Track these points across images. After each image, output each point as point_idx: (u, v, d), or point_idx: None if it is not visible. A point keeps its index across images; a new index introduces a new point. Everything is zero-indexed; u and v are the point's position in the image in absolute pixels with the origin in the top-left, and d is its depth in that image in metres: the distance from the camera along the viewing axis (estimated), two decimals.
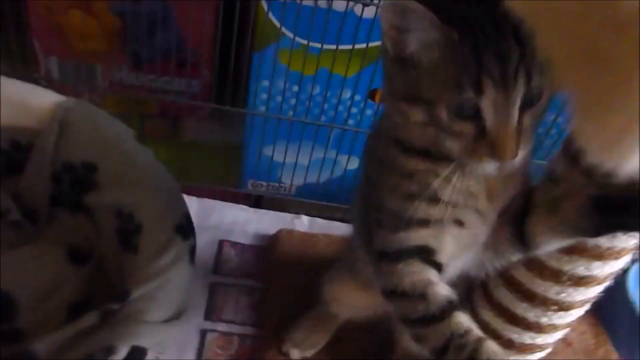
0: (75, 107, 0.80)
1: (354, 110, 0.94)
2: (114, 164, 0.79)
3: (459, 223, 0.51)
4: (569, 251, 0.53)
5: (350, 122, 0.95)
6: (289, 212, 1.03)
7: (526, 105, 0.44)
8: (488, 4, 0.42)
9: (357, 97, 0.92)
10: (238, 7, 0.87)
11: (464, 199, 0.50)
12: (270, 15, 0.83)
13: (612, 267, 0.55)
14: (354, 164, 1.00)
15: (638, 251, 0.54)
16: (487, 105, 0.43)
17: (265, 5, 0.83)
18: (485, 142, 0.45)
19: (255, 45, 0.87)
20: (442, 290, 0.51)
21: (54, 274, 0.77)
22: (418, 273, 0.51)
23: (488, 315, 0.64)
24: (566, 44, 0.33)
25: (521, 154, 0.45)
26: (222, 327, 0.83)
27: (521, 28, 0.40)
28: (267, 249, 0.96)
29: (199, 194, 1.00)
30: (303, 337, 0.78)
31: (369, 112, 0.94)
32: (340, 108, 0.94)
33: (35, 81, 1.03)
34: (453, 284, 0.54)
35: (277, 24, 0.83)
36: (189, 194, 0.95)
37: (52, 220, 0.82)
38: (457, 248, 0.53)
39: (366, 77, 0.89)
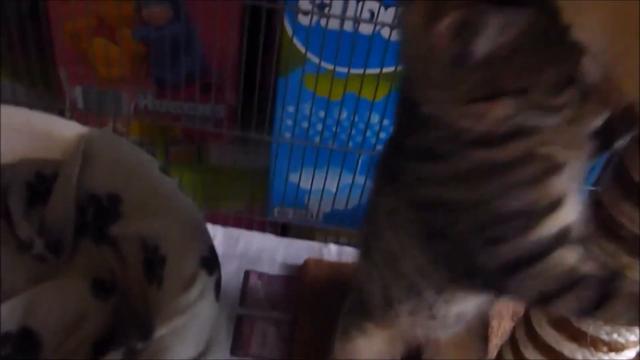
0: (98, 137, 0.80)
1: (383, 135, 0.91)
2: (138, 195, 0.78)
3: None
4: None
5: (379, 147, 0.93)
6: (317, 240, 1.01)
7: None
8: None
9: (386, 122, 0.90)
10: (263, 32, 0.86)
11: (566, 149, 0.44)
12: (295, 39, 0.81)
13: None
14: None
15: None
16: (586, 62, 0.38)
17: (289, 30, 0.81)
18: (594, 99, 0.40)
19: (280, 70, 0.86)
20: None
21: (78, 308, 0.75)
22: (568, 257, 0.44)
23: (532, 355, 0.60)
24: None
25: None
26: None
27: None
28: (294, 279, 0.93)
29: (224, 221, 0.98)
30: None
31: None
32: (369, 133, 0.91)
33: (61, 112, 1.03)
34: None
35: (302, 49, 0.82)
36: (214, 221, 0.93)
37: (76, 251, 0.81)
38: None
39: (394, 101, 0.87)
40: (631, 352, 0.56)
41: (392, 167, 0.54)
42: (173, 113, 1.08)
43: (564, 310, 0.49)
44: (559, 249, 0.44)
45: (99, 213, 0.80)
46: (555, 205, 0.43)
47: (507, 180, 0.43)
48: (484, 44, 0.37)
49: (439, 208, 0.47)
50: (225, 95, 1.05)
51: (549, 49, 0.38)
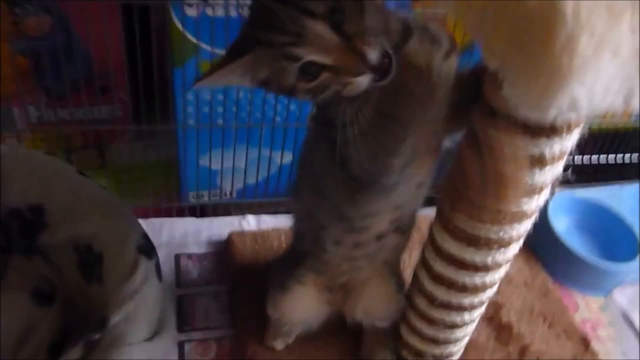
0: (8, 152, 0.80)
1: (279, 107, 0.99)
2: (61, 201, 0.80)
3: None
4: None
5: (278, 119, 1.00)
6: (235, 215, 1.07)
7: (337, 22, 0.50)
8: None
9: (280, 95, 0.97)
10: (138, 28, 0.88)
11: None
12: (185, 31, 0.86)
13: (538, 201, 0.63)
14: (287, 158, 1.05)
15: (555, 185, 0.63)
16: (311, 57, 0.50)
17: (178, 23, 0.85)
18: (341, 71, 0.51)
19: (175, 61, 0.90)
20: None
21: (24, 319, 0.77)
22: None
23: (441, 266, 0.71)
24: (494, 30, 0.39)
25: (373, 51, 0.50)
26: (197, 335, 0.87)
27: None
28: (222, 253, 0.99)
29: (144, 215, 1.01)
30: (278, 329, 0.82)
31: (292, 107, 0.99)
32: (266, 108, 0.98)
33: None
34: None
35: (194, 40, 0.87)
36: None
37: (8, 268, 0.82)
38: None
39: None
40: (515, 246, 0.68)
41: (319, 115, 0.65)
42: (68, 120, 1.08)
43: None
44: None
45: (23, 226, 0.81)
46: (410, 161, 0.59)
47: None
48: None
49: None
50: (117, 94, 1.07)
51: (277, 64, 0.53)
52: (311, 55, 0.50)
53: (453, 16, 0.37)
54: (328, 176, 0.65)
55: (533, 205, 0.63)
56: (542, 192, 0.62)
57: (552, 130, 0.54)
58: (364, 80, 0.52)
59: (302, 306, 0.77)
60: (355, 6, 0.50)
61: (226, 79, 0.54)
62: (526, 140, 0.55)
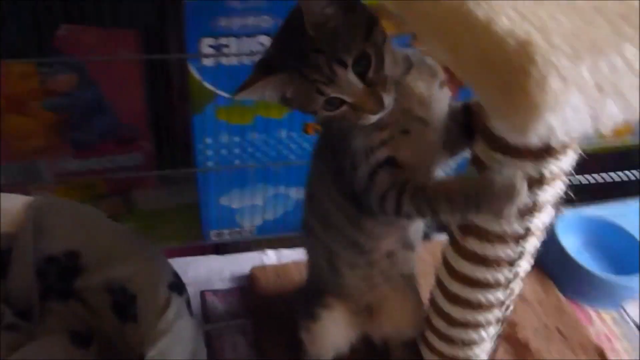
0: (45, 203, 0.86)
1: (293, 146, 1.05)
2: (95, 246, 0.85)
3: (406, 132, 0.64)
4: None
5: (292, 157, 1.06)
6: (255, 251, 1.11)
7: (363, 71, 0.58)
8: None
9: (293, 134, 1.03)
10: (173, 79, 0.96)
11: (395, 116, 0.63)
12: (203, 81, 0.93)
13: (541, 219, 0.67)
14: (302, 193, 1.10)
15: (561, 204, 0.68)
16: (337, 95, 0.58)
17: (196, 74, 0.92)
18: (359, 108, 0.59)
19: (194, 109, 0.96)
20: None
21: None
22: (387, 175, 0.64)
23: (455, 287, 0.75)
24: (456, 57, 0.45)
25: (388, 96, 0.59)
26: None
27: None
28: (246, 288, 1.03)
29: (169, 256, 1.05)
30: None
31: (306, 145, 1.05)
32: (281, 147, 1.04)
33: None
34: None
35: (212, 87, 0.93)
36: None
37: (46, 313, 0.86)
38: (416, 152, 0.66)
39: (297, 114, 1.00)
40: (525, 264, 0.72)
41: (322, 149, 0.73)
42: (93, 170, 1.15)
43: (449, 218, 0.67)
44: (383, 169, 0.64)
45: (60, 272, 0.86)
46: (377, 145, 0.64)
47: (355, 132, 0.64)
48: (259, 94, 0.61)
49: (339, 156, 0.68)
50: (140, 143, 1.14)
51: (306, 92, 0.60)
52: (337, 94, 0.59)
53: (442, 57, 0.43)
54: (333, 205, 0.71)
55: (537, 223, 0.67)
56: (545, 211, 0.67)
57: (547, 152, 0.60)
58: (375, 117, 0.61)
59: (333, 330, 0.81)
60: (378, 57, 0.59)
61: (260, 92, 0.60)
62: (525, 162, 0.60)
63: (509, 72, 0.34)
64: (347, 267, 0.76)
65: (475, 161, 0.66)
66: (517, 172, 0.58)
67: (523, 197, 0.58)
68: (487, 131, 0.60)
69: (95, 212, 0.87)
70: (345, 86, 0.58)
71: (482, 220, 0.67)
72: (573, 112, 0.34)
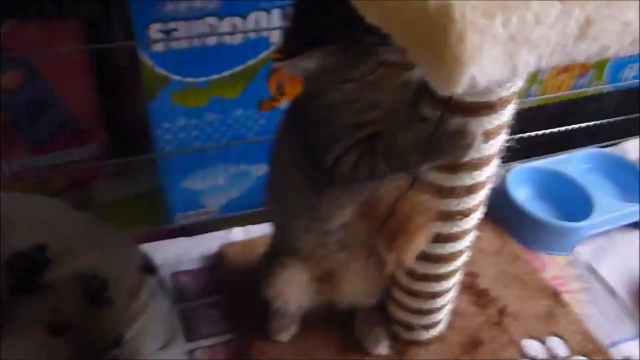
0: (7, 199, 0.86)
1: (250, 123, 1.07)
2: (61, 237, 0.86)
3: (396, 110, 0.67)
4: (453, 170, 0.70)
5: (250, 134, 1.08)
6: (222, 230, 1.14)
7: None
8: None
9: (249, 112, 1.05)
10: (123, 67, 0.96)
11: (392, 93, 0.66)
12: (155, 67, 0.94)
13: (488, 172, 0.72)
14: (263, 169, 1.13)
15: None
16: (392, 57, 0.60)
17: (148, 60, 0.93)
18: (402, 67, 0.62)
19: (148, 95, 0.97)
20: None
21: (41, 351, 0.82)
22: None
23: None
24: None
25: None
26: (204, 342, 0.93)
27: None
28: (215, 266, 1.06)
29: (136, 243, 1.07)
30: (280, 323, 0.90)
31: (262, 121, 1.07)
32: (238, 126, 1.06)
33: None
34: None
35: (164, 72, 0.94)
36: None
37: (20, 306, 0.87)
38: (397, 124, 0.67)
39: (251, 92, 1.03)
40: (477, 214, 0.77)
41: (292, 119, 0.75)
42: (50, 165, 1.14)
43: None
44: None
45: (29, 267, 0.86)
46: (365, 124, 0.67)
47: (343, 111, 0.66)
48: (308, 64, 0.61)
49: (310, 127, 0.69)
50: (95, 134, 1.14)
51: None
52: (392, 55, 0.61)
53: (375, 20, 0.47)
54: (298, 171, 0.74)
55: (485, 176, 0.72)
56: (491, 164, 0.71)
57: (489, 107, 0.64)
58: (415, 74, 0.63)
59: (293, 285, 0.84)
60: None
61: (306, 63, 0.61)
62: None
63: (433, 30, 0.38)
64: (303, 230, 0.79)
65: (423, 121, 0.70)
66: (469, 120, 0.63)
67: (478, 140, 0.63)
68: (432, 92, 0.64)
69: (60, 203, 0.88)
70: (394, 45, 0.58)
71: (433, 176, 0.71)
72: (492, 62, 0.38)
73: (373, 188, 0.72)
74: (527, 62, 0.40)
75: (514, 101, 0.67)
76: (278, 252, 0.84)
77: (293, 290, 0.84)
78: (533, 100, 1.33)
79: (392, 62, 0.62)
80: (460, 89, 0.38)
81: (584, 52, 0.42)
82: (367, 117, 0.67)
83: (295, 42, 0.62)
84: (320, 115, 0.68)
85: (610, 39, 0.42)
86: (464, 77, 0.37)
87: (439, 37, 0.37)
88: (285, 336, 0.89)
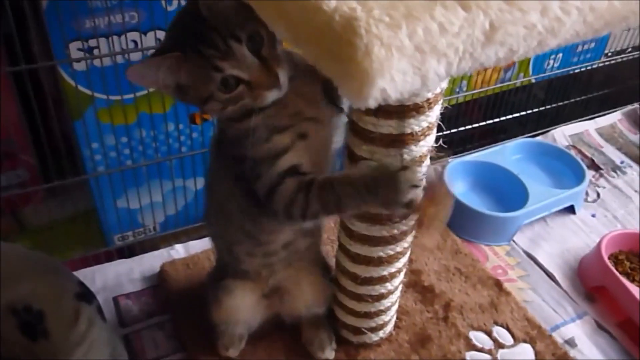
0: None
1: (183, 137, 1.05)
2: None
3: (304, 136, 0.67)
4: None
5: (184, 149, 1.06)
6: (163, 247, 1.11)
7: (255, 48, 0.60)
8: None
9: (181, 126, 1.03)
10: (46, 88, 0.92)
11: (290, 119, 0.66)
12: (79, 86, 0.90)
13: (421, 170, 0.72)
14: (201, 183, 1.11)
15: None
16: (234, 71, 0.60)
17: (70, 80, 0.90)
18: (255, 85, 0.61)
19: (73, 115, 0.94)
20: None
21: None
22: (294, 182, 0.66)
23: (356, 247, 0.80)
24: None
25: (283, 73, 0.62)
26: None
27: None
28: (159, 285, 1.03)
29: (73, 267, 1.04)
30: (230, 338, 0.88)
31: (195, 134, 1.05)
32: (171, 140, 1.04)
33: None
34: None
35: (89, 92, 0.91)
36: None
37: None
38: (315, 153, 0.68)
39: (182, 106, 1.01)
40: (414, 216, 0.78)
41: (219, 146, 0.74)
42: None
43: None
44: (289, 178, 0.66)
45: None
46: (280, 152, 0.66)
47: (253, 139, 0.65)
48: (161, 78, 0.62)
49: (237, 160, 0.68)
50: (21, 158, 1.09)
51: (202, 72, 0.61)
52: (234, 70, 0.60)
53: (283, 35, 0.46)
54: (233, 201, 0.73)
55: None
56: (424, 162, 0.72)
57: (415, 110, 0.65)
58: (272, 95, 0.63)
59: (240, 309, 0.83)
60: (271, 37, 0.61)
61: (155, 70, 0.60)
62: (398, 121, 0.65)
63: (340, 45, 0.37)
64: (245, 255, 0.78)
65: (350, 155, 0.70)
66: (402, 157, 0.63)
67: (418, 179, 0.63)
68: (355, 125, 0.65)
69: None
70: (241, 61, 0.60)
71: None
72: (401, 75, 0.38)
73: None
74: (437, 71, 0.41)
75: (440, 101, 0.68)
76: (223, 273, 0.83)
77: (241, 313, 0.84)
78: (465, 96, 1.36)
79: (241, 78, 0.61)
80: (371, 102, 0.38)
81: (492, 57, 0.43)
82: (279, 145, 0.66)
83: (147, 59, 0.63)
84: (235, 149, 0.68)
85: (517, 43, 0.43)
86: (374, 91, 0.37)
87: (346, 52, 0.37)
88: (234, 352, 0.88)
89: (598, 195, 1.31)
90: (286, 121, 0.65)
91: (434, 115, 0.68)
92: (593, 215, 1.25)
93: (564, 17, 0.43)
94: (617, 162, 1.42)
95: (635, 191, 1.32)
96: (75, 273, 1.02)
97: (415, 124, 0.66)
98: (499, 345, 0.94)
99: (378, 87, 0.37)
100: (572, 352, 0.96)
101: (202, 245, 1.10)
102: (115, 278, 1.05)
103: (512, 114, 1.44)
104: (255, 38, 0.60)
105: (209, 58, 0.59)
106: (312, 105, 0.67)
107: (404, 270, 0.86)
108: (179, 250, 1.10)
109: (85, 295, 0.80)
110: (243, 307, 0.83)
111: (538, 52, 0.45)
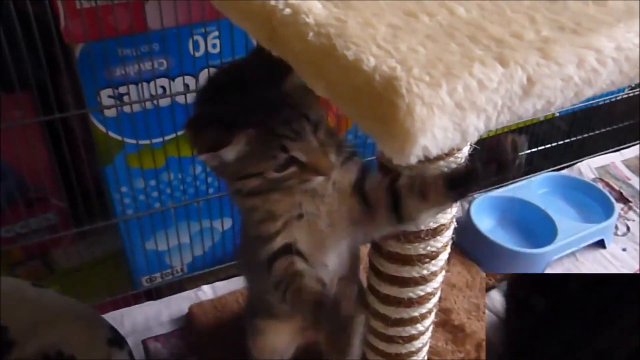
0: None
1: (210, 179, 1.06)
2: (21, 317, 0.83)
3: (300, 216, 0.65)
4: None
5: (211, 190, 1.07)
6: (190, 289, 1.11)
7: (314, 130, 0.59)
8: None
9: (208, 169, 1.04)
10: (78, 135, 0.94)
11: (289, 207, 0.64)
12: (109, 132, 0.92)
13: (451, 213, 0.72)
14: (227, 224, 1.12)
15: None
16: (297, 153, 0.58)
17: (100, 126, 0.92)
18: (310, 169, 0.59)
19: (104, 160, 0.95)
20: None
21: None
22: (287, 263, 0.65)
23: (386, 288, 0.79)
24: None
25: (334, 159, 0.61)
26: None
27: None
28: (187, 328, 1.03)
29: (102, 310, 1.04)
30: None
31: None
32: (198, 183, 1.05)
33: None
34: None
35: (119, 137, 0.93)
36: None
37: None
38: (312, 236, 0.67)
39: None
40: (444, 254, 0.77)
41: None
42: (7, 236, 1.11)
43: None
44: (281, 257, 0.65)
45: None
46: (272, 235, 0.65)
47: (252, 217, 0.66)
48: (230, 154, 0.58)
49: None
50: (52, 202, 1.11)
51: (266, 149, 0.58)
52: (298, 152, 0.58)
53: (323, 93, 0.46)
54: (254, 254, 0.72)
55: (448, 217, 0.73)
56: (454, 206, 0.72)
57: (446, 154, 0.65)
58: (320, 180, 0.62)
59: (275, 345, 0.83)
60: (323, 120, 0.60)
61: (238, 149, 0.57)
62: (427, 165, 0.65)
63: (381, 104, 0.38)
64: (278, 302, 0.77)
65: None
66: None
67: None
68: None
69: (17, 282, 0.85)
70: (307, 143, 0.57)
71: None
72: (442, 132, 0.39)
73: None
74: (477, 126, 0.41)
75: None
76: (254, 314, 0.82)
77: (278, 348, 0.83)
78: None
79: (300, 161, 0.59)
80: (412, 159, 0.39)
81: (530, 109, 0.43)
82: (271, 229, 0.65)
83: (213, 130, 0.57)
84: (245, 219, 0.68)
85: (554, 95, 0.43)
86: (415, 149, 0.38)
87: (387, 111, 0.37)
88: None
89: (628, 228, 1.29)
90: (284, 209, 0.64)
91: (463, 154, 0.68)
92: (624, 249, 1.23)
93: (600, 68, 0.43)
94: None
95: None
96: (104, 316, 1.03)
97: (445, 167, 0.66)
98: None
99: (420, 144, 0.38)
100: None
101: (229, 286, 1.10)
102: (144, 321, 1.05)
103: (536, 147, 1.43)
104: (315, 120, 0.59)
105: (279, 137, 0.57)
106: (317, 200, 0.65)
107: (435, 310, 0.85)
108: (207, 292, 1.10)
109: (117, 340, 0.80)
110: (280, 343, 0.82)
111: (575, 102, 0.45)
